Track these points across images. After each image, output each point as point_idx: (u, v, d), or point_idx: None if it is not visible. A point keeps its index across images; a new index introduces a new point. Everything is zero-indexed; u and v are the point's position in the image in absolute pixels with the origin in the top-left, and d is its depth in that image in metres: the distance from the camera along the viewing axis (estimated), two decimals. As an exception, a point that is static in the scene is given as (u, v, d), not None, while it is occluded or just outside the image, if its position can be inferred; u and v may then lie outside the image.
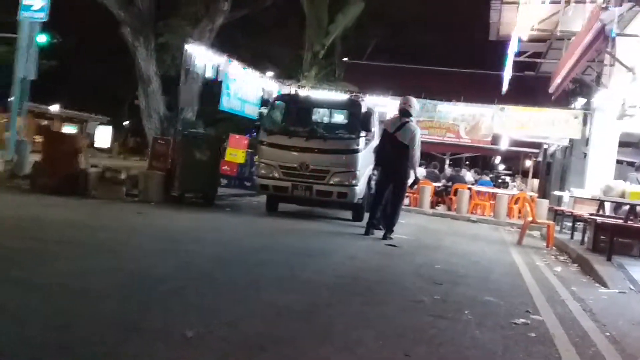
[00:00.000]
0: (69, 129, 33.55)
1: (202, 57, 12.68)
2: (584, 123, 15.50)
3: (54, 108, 34.29)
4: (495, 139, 17.80)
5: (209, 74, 13.18)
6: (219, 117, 19.51)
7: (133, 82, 17.22)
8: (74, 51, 30.88)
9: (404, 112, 9.07)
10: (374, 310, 4.48)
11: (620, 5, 9.92)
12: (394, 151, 8.85)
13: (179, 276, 4.91)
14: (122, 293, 4.24)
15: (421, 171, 18.55)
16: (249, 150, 16.08)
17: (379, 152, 9.25)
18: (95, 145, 31.70)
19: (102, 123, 39.12)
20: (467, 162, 27.40)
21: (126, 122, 42.98)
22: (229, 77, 13.73)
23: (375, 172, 9.47)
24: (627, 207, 8.89)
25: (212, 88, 15.45)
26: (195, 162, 11.02)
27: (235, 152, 15.82)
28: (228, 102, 14.02)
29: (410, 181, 9.26)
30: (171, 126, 13.86)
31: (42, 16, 12.50)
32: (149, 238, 6.92)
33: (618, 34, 11.44)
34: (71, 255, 5.35)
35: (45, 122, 33.69)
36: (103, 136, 38.12)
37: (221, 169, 13.87)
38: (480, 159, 30.39)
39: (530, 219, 10.95)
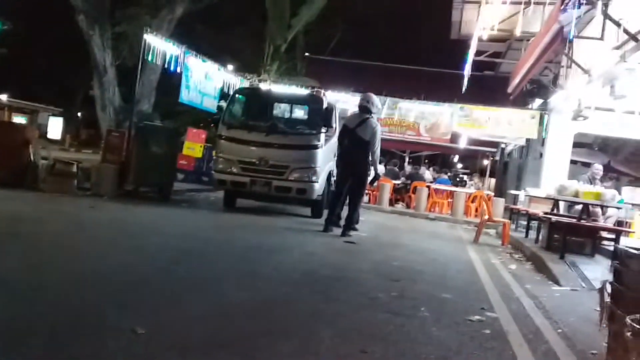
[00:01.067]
0: (18, 120, 32.43)
1: (161, 48, 12.37)
2: (541, 123, 15.78)
3: (3, 97, 33.08)
4: (454, 138, 17.99)
5: (167, 65, 12.88)
6: (178, 109, 19.16)
7: (88, 72, 16.75)
8: (25, 38, 29.86)
9: (365, 109, 9.03)
10: (332, 307, 4.42)
11: (579, 7, 10.07)
12: (354, 147, 8.80)
13: (132, 271, 4.76)
14: (74, 287, 4.08)
15: (381, 168, 18.62)
16: (207, 144, 15.82)
17: (338, 148, 9.19)
18: (47, 136, 30.69)
19: (54, 114, 37.96)
20: (427, 160, 27.71)
21: (79, 114, 41.86)
22: (188, 69, 13.46)
23: (335, 168, 9.39)
24: (580, 207, 9.06)
25: (171, 80, 15.13)
26: (151, 155, 10.74)
27: (193, 146, 15.54)
28: (187, 95, 13.74)
29: (370, 178, 9.24)
30: (127, 118, 13.48)
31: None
32: (101, 232, 6.69)
33: (575, 36, 11.66)
34: (19, 251, 5.12)
35: (-7, 112, 32.51)
36: (55, 127, 36.95)
37: (178, 163, 13.60)
38: (439, 158, 30.77)
39: (486, 217, 11.07)
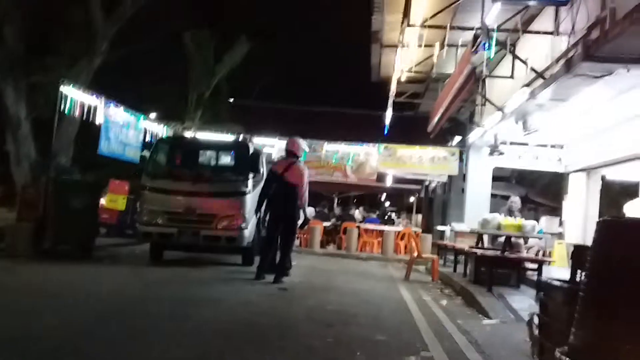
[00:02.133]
0: None
1: (79, 99, 12.02)
2: (460, 160, 16.36)
3: None
4: (380, 177, 18.33)
5: (86, 116, 12.50)
6: (99, 161, 18.52)
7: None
8: None
9: (291, 153, 9.05)
10: (267, 358, 4.28)
11: (489, 48, 10.63)
12: (283, 193, 8.75)
13: (53, 336, 4.44)
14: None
15: (311, 211, 18.64)
16: (130, 196, 15.31)
17: (266, 194, 9.08)
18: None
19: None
20: (355, 201, 28.03)
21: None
22: (108, 120, 13.12)
23: (263, 215, 9.24)
24: (502, 239, 9.36)
25: (92, 131, 14.66)
26: (70, 210, 10.25)
27: (116, 198, 14.98)
28: (108, 146, 13.34)
29: (300, 222, 9.20)
30: (43, 173, 12.89)
31: None
32: (16, 297, 6.23)
33: (487, 76, 12.30)
34: None
35: None
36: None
37: (100, 217, 13.06)
38: (367, 197, 31.20)
39: (415, 254, 11.25)
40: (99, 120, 12.74)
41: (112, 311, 5.67)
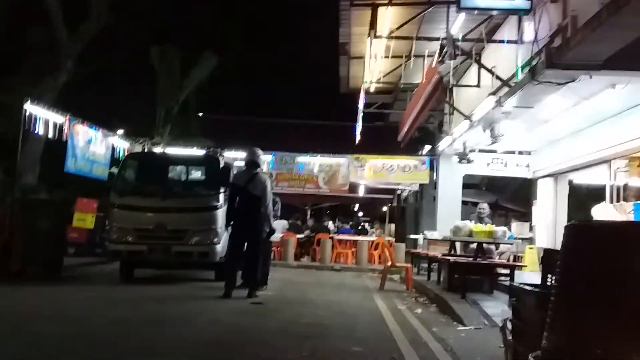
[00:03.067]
0: None
1: (44, 117, 11.80)
2: (431, 168, 16.51)
3: None
4: (352, 188, 18.36)
5: (52, 134, 12.27)
6: (67, 179, 18.18)
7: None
8: None
9: (252, 164, 8.96)
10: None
11: (455, 58, 10.78)
12: (247, 205, 8.62)
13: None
14: None
15: (282, 223, 18.57)
16: (99, 213, 15.03)
17: (230, 208, 8.95)
18: None
19: None
20: (328, 212, 28.00)
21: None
22: (74, 137, 12.89)
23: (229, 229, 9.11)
24: (474, 246, 9.44)
25: (59, 149, 14.39)
26: (37, 230, 10.01)
27: (84, 216, 14.66)
28: (74, 164, 13.10)
29: (265, 234, 9.05)
30: (9, 193, 12.59)
31: None
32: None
33: (454, 85, 12.45)
34: None
35: None
36: None
37: (68, 236, 12.78)
38: (340, 208, 31.21)
39: (389, 263, 11.26)
40: (65, 138, 12.49)
41: (76, 336, 5.45)
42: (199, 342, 5.35)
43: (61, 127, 12.37)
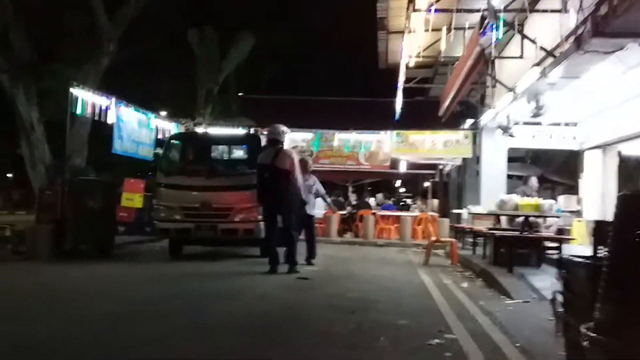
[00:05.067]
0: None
1: (90, 100, 12.09)
2: (474, 142, 16.26)
3: None
4: (393, 163, 18.26)
5: (98, 117, 12.57)
6: (112, 161, 18.65)
7: (14, 131, 16.15)
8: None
9: (274, 141, 8.97)
10: (286, 349, 4.30)
11: (497, 29, 10.53)
12: (276, 181, 8.65)
13: (73, 339, 4.47)
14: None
15: (320, 203, 18.63)
16: (147, 193, 15.42)
17: (259, 186, 9.01)
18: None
19: (-19, 178, 36.38)
20: (370, 188, 27.98)
21: (9, 175, 40.16)
22: (120, 119, 13.18)
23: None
24: (521, 219, 9.30)
25: (105, 131, 14.76)
26: (88, 211, 10.36)
27: (132, 196, 15.09)
28: (121, 145, 13.41)
29: (296, 206, 9.07)
30: (59, 175, 13.02)
31: None
32: (37, 298, 6.31)
33: (497, 57, 12.18)
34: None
35: None
36: (-17, 192, 35.36)
37: (118, 215, 13.17)
38: (381, 184, 31.14)
39: (433, 238, 11.22)
40: (110, 120, 12.78)
41: (130, 311, 5.68)
42: (247, 317, 5.48)
43: (107, 109, 12.64)
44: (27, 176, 15.11)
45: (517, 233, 8.91)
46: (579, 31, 8.38)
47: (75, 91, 11.64)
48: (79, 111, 11.85)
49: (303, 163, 9.73)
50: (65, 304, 5.94)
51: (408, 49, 14.19)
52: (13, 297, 6.35)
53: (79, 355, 4.06)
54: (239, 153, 12.43)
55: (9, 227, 10.25)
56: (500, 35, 10.92)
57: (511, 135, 13.37)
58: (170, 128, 15.58)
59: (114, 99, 12.91)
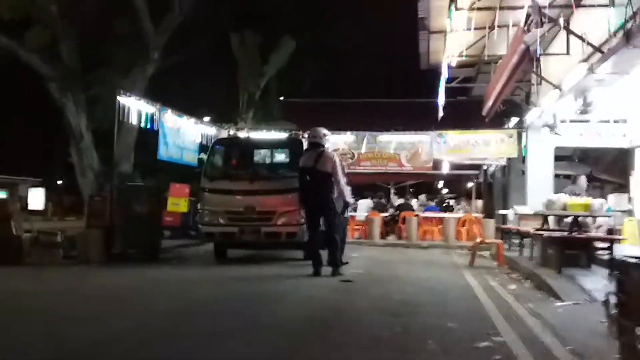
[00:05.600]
0: (-2, 194, 32.08)
1: (136, 107, 12.37)
2: (519, 141, 15.94)
3: (-20, 174, 32.82)
4: (436, 165, 18.06)
5: (144, 124, 12.86)
6: (158, 167, 19.05)
7: (64, 139, 16.70)
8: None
9: (316, 144, 9.00)
10: (336, 353, 4.31)
11: (541, 26, 10.30)
12: (318, 184, 8.69)
13: (129, 339, 4.60)
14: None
15: (366, 202, 18.60)
16: (192, 198, 15.69)
17: (301, 190, 9.03)
18: (29, 208, 30.39)
19: (34, 185, 37.67)
20: (412, 190, 27.77)
21: (59, 182, 41.52)
22: (165, 126, 13.44)
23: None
24: (569, 219, 9.07)
25: (149, 137, 15.11)
26: (135, 215, 10.61)
27: (177, 201, 15.38)
28: (166, 151, 13.67)
29: (340, 209, 9.07)
30: (107, 181, 13.39)
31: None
32: (91, 301, 6.50)
33: (542, 54, 11.91)
34: (13, 329, 4.95)
35: (-29, 190, 32.12)
36: (36, 198, 36.65)
37: (163, 220, 13.44)
38: (423, 185, 30.85)
39: (479, 239, 11.05)
40: (156, 126, 13.06)
41: (182, 312, 5.82)
42: (295, 319, 5.51)
43: (152, 115, 12.91)
44: (77, 183, 15.60)
45: (565, 234, 8.69)
46: (628, 26, 8.12)
47: (121, 99, 11.94)
48: (125, 118, 12.15)
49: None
50: (120, 307, 6.10)
51: (450, 48, 14.02)
52: (71, 300, 6.55)
53: (136, 356, 4.15)
54: (281, 157, 12.51)
55: (60, 232, 10.56)
56: (546, 32, 10.68)
57: (557, 134, 13.06)
58: (213, 133, 15.82)
59: (158, 106, 13.18)
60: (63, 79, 15.04)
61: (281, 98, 26.15)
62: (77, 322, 5.22)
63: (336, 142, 16.78)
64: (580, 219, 8.90)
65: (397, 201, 19.97)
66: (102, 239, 10.34)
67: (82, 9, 15.66)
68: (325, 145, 9.12)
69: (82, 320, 5.31)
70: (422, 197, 21.44)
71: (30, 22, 15.23)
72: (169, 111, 13.75)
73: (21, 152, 35.57)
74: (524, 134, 15.61)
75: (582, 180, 11.05)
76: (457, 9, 11.81)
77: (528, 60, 11.06)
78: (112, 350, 4.23)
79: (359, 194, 18.78)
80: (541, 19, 10.25)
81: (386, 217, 17.59)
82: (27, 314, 5.62)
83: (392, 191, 25.10)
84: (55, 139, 30.72)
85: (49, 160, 37.58)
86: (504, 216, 15.55)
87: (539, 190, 13.04)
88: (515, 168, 16.72)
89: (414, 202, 19.70)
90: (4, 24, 15.02)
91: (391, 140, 17.37)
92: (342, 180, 8.96)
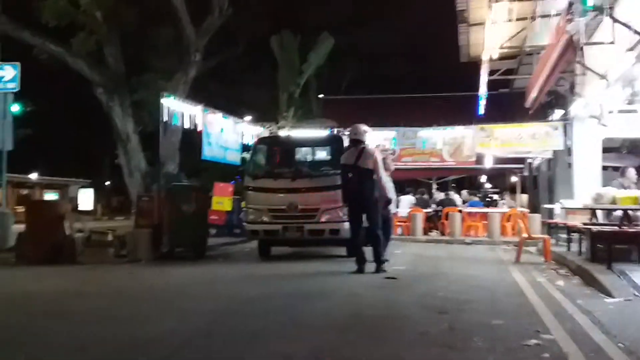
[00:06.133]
0: (50, 196, 33.24)
1: (179, 110, 12.65)
2: (565, 133, 15.61)
3: (33, 176, 34.04)
4: (479, 159, 17.84)
5: (187, 125, 13.14)
6: (202, 166, 19.45)
7: (111, 141, 17.20)
8: (48, 117, 30.89)
9: (356, 141, 8.99)
10: (382, 348, 4.34)
11: (585, 15, 10.06)
12: (359, 180, 8.68)
13: (176, 336, 4.73)
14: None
15: (409, 198, 18.52)
16: (235, 196, 15.95)
17: (344, 187, 9.06)
18: (79, 209, 31.39)
19: (83, 186, 38.87)
20: (454, 185, 27.47)
21: (108, 183, 42.72)
22: (208, 126, 13.70)
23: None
24: (619, 213, 8.85)
25: (192, 139, 15.43)
26: (182, 215, 10.87)
27: (222, 200, 15.65)
28: (210, 151, 13.95)
29: (381, 204, 9.07)
30: (154, 181, 13.75)
31: (14, 86, 12.40)
32: (141, 300, 6.71)
33: (586, 43, 11.62)
34: (64, 327, 5.15)
35: (25, 191, 33.35)
36: (86, 199, 37.83)
37: (209, 218, 13.70)
38: (466, 180, 30.49)
39: (525, 235, 10.88)
40: (199, 127, 13.32)
41: (228, 309, 5.93)
42: (342, 316, 5.56)
43: (195, 117, 13.17)
44: (125, 184, 16.05)
45: (615, 228, 8.48)
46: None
47: (165, 101, 12.22)
48: (170, 120, 12.43)
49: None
50: (166, 305, 6.27)
51: (490, 40, 13.83)
52: (119, 299, 6.77)
53: (181, 354, 4.28)
54: (322, 154, 12.59)
55: (110, 232, 10.91)
56: (590, 20, 10.42)
57: (604, 125, 12.72)
58: (255, 133, 16.03)
59: (201, 107, 13.44)
60: (109, 83, 15.48)
61: (320, 96, 26.26)
62: (123, 321, 5.38)
63: (377, 138, 16.76)
64: (630, 212, 8.67)
65: (439, 196, 19.79)
66: (150, 238, 10.64)
67: (125, 14, 16.07)
68: (366, 142, 9.13)
69: (128, 319, 5.47)
70: (464, 192, 21.20)
71: (76, 28, 15.72)
72: (212, 112, 14.00)
73: (71, 155, 36.78)
74: (569, 126, 15.26)
75: (632, 173, 10.73)
76: (497, 1, 11.66)
77: (572, 50, 10.83)
78: (156, 349, 4.32)
79: (400, 190, 18.69)
80: (585, 7, 10.02)
81: (429, 212, 17.47)
82: (77, 312, 5.83)
83: (434, 186, 24.91)
84: (102, 141, 31.61)
85: (97, 162, 38.74)
86: (551, 210, 15.25)
87: (587, 183, 12.74)
88: (561, 161, 16.35)
89: (456, 197, 19.50)
90: (52, 30, 15.56)
91: (432, 136, 17.24)
92: (384, 176, 8.97)
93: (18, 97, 13.59)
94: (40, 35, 15.36)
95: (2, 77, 12.37)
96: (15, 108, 13.71)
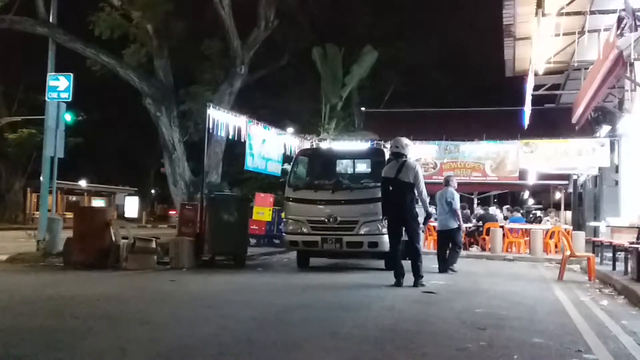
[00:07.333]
0: (97, 203, 34.25)
1: (224, 121, 12.91)
2: (612, 150, 15.25)
3: (82, 183, 35.16)
4: (522, 174, 17.57)
5: (232, 135, 13.38)
6: (243, 177, 19.73)
7: (157, 150, 17.67)
8: (98, 126, 31.90)
9: (398, 154, 8.99)
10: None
11: (636, 30, 9.88)
12: (399, 194, 8.68)
13: (216, 343, 4.81)
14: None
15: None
16: (276, 207, 16.12)
17: (384, 200, 9.07)
18: (125, 215, 32.22)
19: (129, 194, 39.87)
20: (496, 200, 27.06)
21: (153, 191, 43.71)
22: (251, 137, 13.93)
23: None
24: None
25: (234, 149, 15.70)
26: (224, 224, 11.07)
27: (262, 210, 15.86)
28: (252, 162, 14.16)
29: (421, 218, 9.05)
30: (197, 190, 14.03)
31: (67, 96, 12.89)
32: (182, 306, 6.85)
33: (636, 59, 11.38)
34: (108, 331, 5.31)
35: (74, 198, 34.45)
36: (131, 206, 38.80)
37: (250, 228, 13.89)
38: (508, 196, 30.00)
39: (568, 252, 10.66)
40: (243, 138, 13.54)
41: (267, 318, 6.00)
42: (379, 328, 5.56)
43: (239, 128, 13.41)
44: (169, 192, 16.43)
45: (664, 248, 8.24)
46: None
47: (211, 112, 12.48)
48: (214, 131, 12.69)
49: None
50: (205, 312, 6.37)
51: (537, 55, 13.65)
52: (161, 305, 6.94)
53: (228, 359, 4.37)
54: (363, 167, 12.63)
55: (154, 239, 11.17)
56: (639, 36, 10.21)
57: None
58: (297, 144, 16.19)
59: (245, 118, 13.67)
60: (157, 94, 15.92)
61: (362, 108, 26.32)
62: (164, 326, 5.51)
63: (418, 152, 16.72)
64: (680, 232, 8.41)
65: (480, 212, 19.52)
66: (193, 246, 10.86)
67: (175, 28, 16.54)
68: (408, 155, 9.14)
69: (169, 324, 5.59)
70: (505, 208, 20.87)
71: (128, 41, 16.26)
72: (255, 123, 14.22)
73: (119, 163, 37.84)
74: (617, 142, 14.90)
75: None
76: (544, 15, 11.53)
77: (622, 66, 10.62)
78: (196, 355, 4.40)
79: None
80: (635, 22, 9.84)
81: (469, 227, 17.26)
82: (120, 316, 5.98)
83: (475, 201, 24.59)
84: (149, 150, 32.44)
85: (143, 170, 39.71)
86: (596, 228, 14.90)
87: (634, 201, 12.39)
88: (608, 178, 15.98)
89: (497, 212, 19.22)
90: (105, 42, 16.14)
91: (474, 150, 17.08)
92: (424, 190, 8.95)
93: (70, 106, 14.11)
94: (93, 47, 15.93)
95: (56, 87, 12.88)
96: (68, 117, 14.23)
